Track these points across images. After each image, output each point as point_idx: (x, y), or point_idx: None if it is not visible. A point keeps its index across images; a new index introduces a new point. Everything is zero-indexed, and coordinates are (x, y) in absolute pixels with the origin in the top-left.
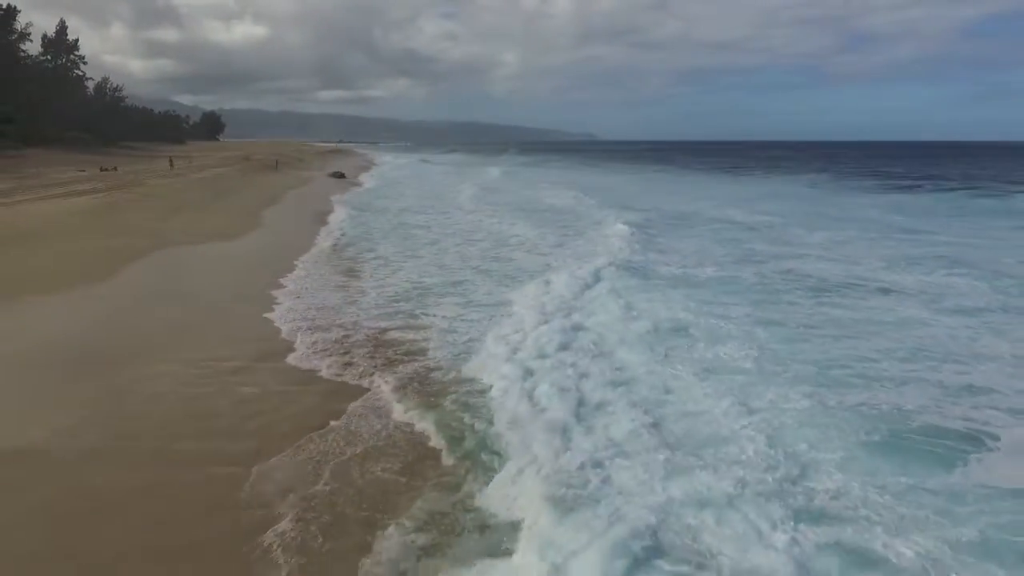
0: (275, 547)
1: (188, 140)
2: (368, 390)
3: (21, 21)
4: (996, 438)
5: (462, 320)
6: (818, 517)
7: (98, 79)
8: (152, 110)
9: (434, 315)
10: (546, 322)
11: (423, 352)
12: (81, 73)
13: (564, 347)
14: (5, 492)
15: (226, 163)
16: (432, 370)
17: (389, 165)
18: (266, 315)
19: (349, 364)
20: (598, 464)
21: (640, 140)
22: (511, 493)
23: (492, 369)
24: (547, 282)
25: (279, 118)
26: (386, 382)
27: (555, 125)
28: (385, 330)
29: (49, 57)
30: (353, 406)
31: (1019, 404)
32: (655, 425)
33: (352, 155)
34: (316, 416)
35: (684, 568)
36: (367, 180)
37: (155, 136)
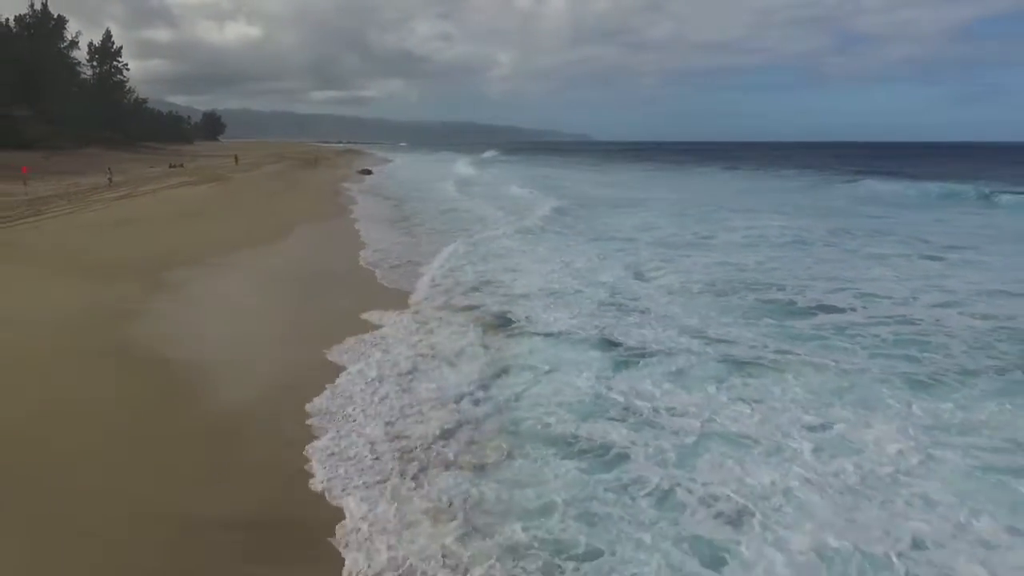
0: None
1: (192, 141)
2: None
3: (71, 30)
4: (853, 310)
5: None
6: (703, 334)
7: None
8: (160, 111)
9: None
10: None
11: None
12: (124, 79)
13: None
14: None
15: (269, 161)
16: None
17: (397, 163)
18: (362, 262)
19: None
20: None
21: (635, 140)
22: None
23: None
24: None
25: (272, 118)
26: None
27: (550, 125)
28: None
29: (95, 63)
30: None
31: (877, 295)
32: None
33: (364, 155)
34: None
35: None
36: (389, 175)
37: (164, 136)
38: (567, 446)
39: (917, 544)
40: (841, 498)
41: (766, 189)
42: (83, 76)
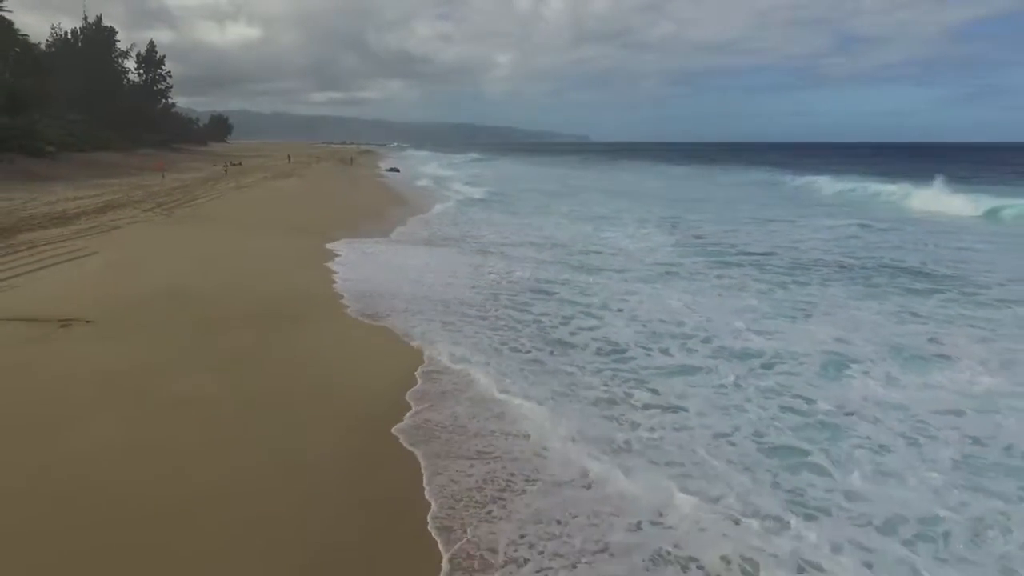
0: None
1: (207, 142)
2: None
3: (125, 41)
4: (774, 254)
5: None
6: (656, 268)
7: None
8: (177, 114)
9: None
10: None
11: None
12: (169, 85)
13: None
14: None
15: (311, 160)
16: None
17: (411, 161)
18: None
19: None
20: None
21: (635, 141)
22: None
23: None
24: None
25: (271, 120)
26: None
27: (549, 126)
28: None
29: (141, 71)
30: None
31: (797, 248)
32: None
33: (381, 155)
34: None
35: None
36: (415, 172)
37: (183, 137)
38: (526, 288)
39: (704, 333)
40: (672, 313)
41: (747, 183)
42: (131, 82)
